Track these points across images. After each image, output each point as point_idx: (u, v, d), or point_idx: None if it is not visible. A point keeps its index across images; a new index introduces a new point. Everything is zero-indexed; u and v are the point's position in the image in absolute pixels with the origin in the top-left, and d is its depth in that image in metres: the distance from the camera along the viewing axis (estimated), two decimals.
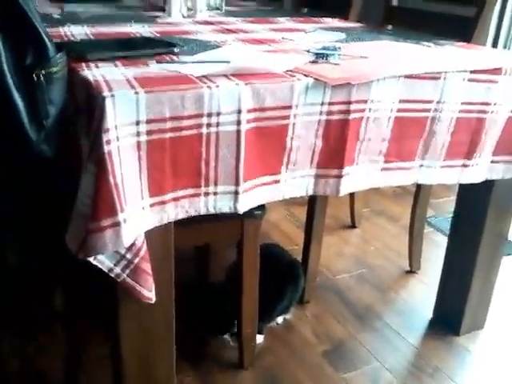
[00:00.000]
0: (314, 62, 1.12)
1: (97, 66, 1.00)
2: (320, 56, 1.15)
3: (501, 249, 1.58)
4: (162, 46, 1.17)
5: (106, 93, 0.84)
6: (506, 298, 1.82)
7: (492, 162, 1.29)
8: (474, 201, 1.52)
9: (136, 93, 0.86)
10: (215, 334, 1.55)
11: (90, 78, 0.92)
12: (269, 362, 1.51)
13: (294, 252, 1.79)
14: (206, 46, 1.26)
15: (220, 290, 1.54)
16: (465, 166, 1.25)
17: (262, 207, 1.29)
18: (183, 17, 1.78)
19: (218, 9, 1.95)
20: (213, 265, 1.77)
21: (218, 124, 0.93)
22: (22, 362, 1.47)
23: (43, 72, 0.84)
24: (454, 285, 1.63)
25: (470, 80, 1.16)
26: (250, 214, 1.23)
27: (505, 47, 2.55)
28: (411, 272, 1.97)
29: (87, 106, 0.91)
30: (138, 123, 0.87)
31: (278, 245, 1.83)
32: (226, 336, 1.54)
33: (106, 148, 0.83)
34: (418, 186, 1.85)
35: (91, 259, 0.90)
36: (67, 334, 1.43)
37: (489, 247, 1.53)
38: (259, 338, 1.55)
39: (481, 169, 1.28)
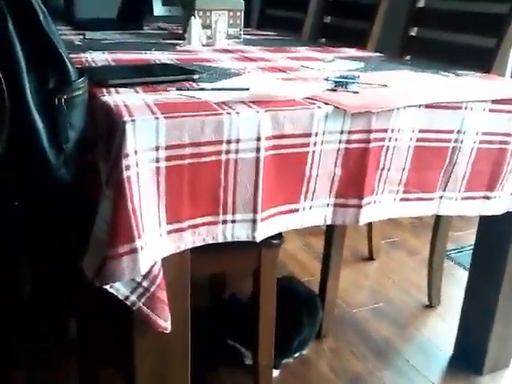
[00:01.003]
0: (332, 90, 1.12)
1: (117, 92, 1.01)
2: (339, 84, 1.15)
3: None
4: (181, 73, 1.17)
5: (126, 118, 0.84)
6: None
7: None
8: (495, 234, 1.48)
9: (156, 118, 0.86)
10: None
11: (111, 102, 0.92)
12: None
13: (310, 283, 1.76)
14: (225, 73, 1.27)
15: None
16: (486, 197, 1.22)
17: (279, 236, 1.27)
18: (202, 45, 1.81)
19: (236, 38, 1.98)
20: (228, 293, 1.74)
21: (237, 151, 0.93)
22: None
23: (65, 96, 0.85)
24: (476, 321, 1.59)
25: (491, 110, 1.14)
26: (267, 242, 1.21)
27: None
28: (430, 307, 1.92)
29: (107, 131, 0.91)
30: (157, 149, 0.87)
31: (295, 277, 1.80)
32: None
33: (125, 173, 0.83)
34: (437, 219, 1.82)
35: (107, 287, 0.89)
36: (80, 361, 1.40)
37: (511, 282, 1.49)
38: (275, 373, 1.51)
39: (503, 201, 1.25)
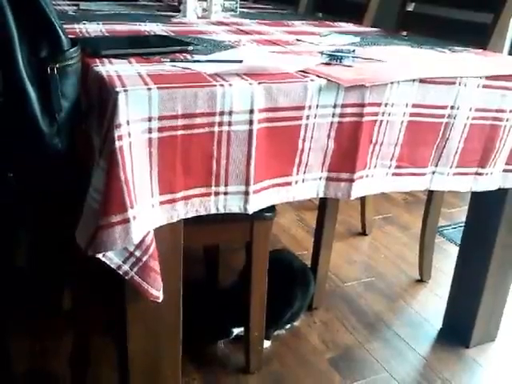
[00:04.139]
0: (327, 63, 1.11)
1: (111, 63, 1.01)
2: (334, 58, 1.14)
3: None
4: (176, 45, 1.17)
5: (119, 88, 0.84)
6: None
7: (506, 170, 1.27)
8: (486, 211, 1.50)
9: (149, 89, 0.86)
10: (212, 339, 1.54)
11: (104, 73, 0.92)
12: (275, 367, 1.50)
13: (303, 257, 1.78)
14: (220, 45, 1.27)
15: (229, 293, 1.53)
16: (478, 173, 1.23)
17: (272, 209, 1.28)
18: (198, 17, 1.79)
19: (232, 10, 1.96)
20: (222, 267, 1.77)
21: (230, 123, 0.93)
22: (29, 362, 1.47)
23: (57, 65, 0.85)
24: (465, 296, 1.61)
25: (485, 86, 1.14)
26: (260, 215, 1.23)
27: None
28: (421, 281, 1.95)
29: (100, 102, 0.91)
30: (150, 119, 0.87)
31: (289, 250, 1.82)
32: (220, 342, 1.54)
33: (117, 144, 0.83)
34: (430, 195, 1.83)
35: (100, 256, 0.90)
36: (75, 333, 1.42)
37: (501, 258, 1.51)
38: (266, 344, 1.54)
39: (494, 177, 1.26)
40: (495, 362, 1.57)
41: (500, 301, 1.60)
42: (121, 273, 0.93)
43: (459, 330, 1.63)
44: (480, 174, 1.23)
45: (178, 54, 1.12)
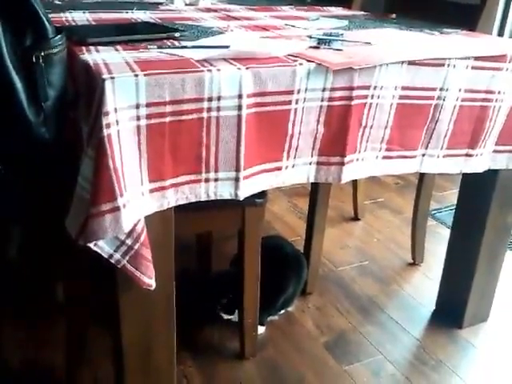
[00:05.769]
0: (315, 47, 1.11)
1: (97, 50, 0.99)
2: (322, 42, 1.14)
3: (504, 241, 1.57)
4: (163, 31, 1.16)
5: (105, 75, 0.83)
6: (509, 291, 1.81)
7: (495, 151, 1.28)
8: (477, 193, 1.50)
9: (136, 75, 0.85)
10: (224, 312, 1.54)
11: (90, 61, 0.91)
12: (270, 352, 1.51)
13: (296, 243, 1.78)
14: (207, 31, 1.25)
15: (223, 278, 1.54)
16: (468, 155, 1.23)
17: (263, 195, 1.28)
18: (186, 4, 1.78)
19: None
20: (215, 254, 1.77)
21: (218, 108, 0.92)
22: (23, 352, 1.47)
23: (42, 54, 0.84)
24: (457, 278, 1.62)
25: (473, 67, 1.14)
26: (251, 201, 1.23)
27: (511, 36, 2.53)
28: (414, 264, 1.97)
29: (87, 90, 0.90)
30: (137, 106, 0.86)
31: (281, 236, 1.83)
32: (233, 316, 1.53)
33: (105, 132, 0.83)
34: (421, 178, 1.84)
35: (91, 245, 0.89)
36: (68, 323, 1.42)
37: (492, 239, 1.52)
38: (261, 329, 1.55)
39: (484, 158, 1.26)
40: (488, 342, 1.59)
41: (491, 282, 1.61)
42: (113, 261, 0.93)
43: (452, 311, 1.65)
44: (470, 156, 1.23)
45: (165, 41, 1.11)
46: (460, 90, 1.14)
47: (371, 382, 1.42)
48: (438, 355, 1.52)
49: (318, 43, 1.14)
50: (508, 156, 1.29)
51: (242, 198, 1.02)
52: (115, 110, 0.84)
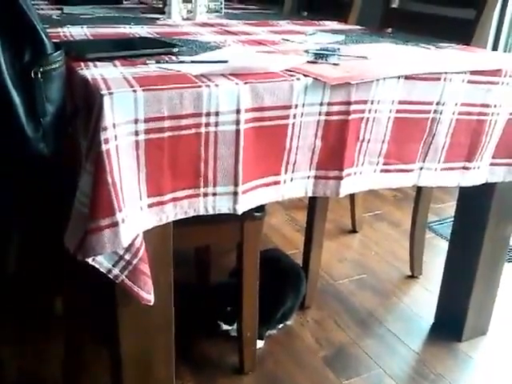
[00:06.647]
0: (312, 62, 1.12)
1: (95, 66, 1.00)
2: (319, 56, 1.15)
3: (503, 253, 1.56)
4: (161, 46, 1.17)
5: (104, 91, 0.84)
6: (509, 304, 1.80)
7: (492, 164, 1.28)
8: (474, 205, 1.51)
9: (134, 91, 0.86)
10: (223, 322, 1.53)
11: (89, 76, 0.92)
12: (269, 367, 1.50)
13: (294, 256, 1.78)
14: (205, 46, 1.26)
15: (223, 288, 1.53)
16: (465, 168, 1.24)
17: (262, 209, 1.28)
18: (183, 19, 1.79)
19: (217, 11, 1.96)
20: (213, 267, 1.76)
21: (216, 124, 0.93)
22: (20, 366, 1.45)
23: (41, 69, 0.84)
24: (456, 290, 1.62)
25: (469, 82, 1.15)
26: (249, 215, 1.23)
27: (505, 50, 2.55)
28: (413, 277, 1.96)
29: (85, 105, 0.91)
30: (136, 122, 0.87)
31: (280, 249, 1.82)
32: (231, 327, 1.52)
33: (104, 147, 0.83)
34: (419, 191, 1.84)
35: (90, 260, 0.89)
36: (66, 336, 1.42)
37: (490, 252, 1.52)
38: (260, 343, 1.54)
39: (481, 171, 1.27)
40: (487, 355, 1.58)
41: (490, 295, 1.61)
42: (111, 277, 0.93)
43: (451, 324, 1.64)
44: (467, 169, 1.24)
45: (163, 56, 1.11)
46: (456, 104, 1.15)
47: None
48: (437, 369, 1.51)
49: (315, 58, 1.14)
50: (505, 169, 1.30)
51: (240, 213, 1.02)
52: (114, 125, 0.84)
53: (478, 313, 1.60)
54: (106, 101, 0.83)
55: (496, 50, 2.53)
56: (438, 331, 1.67)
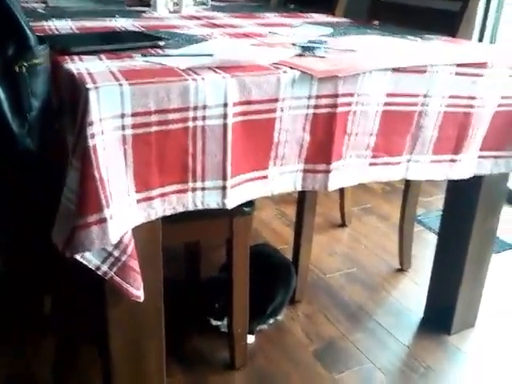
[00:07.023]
0: (300, 55, 1.11)
1: (81, 60, 0.99)
2: (306, 49, 1.14)
3: (490, 245, 1.57)
4: (147, 40, 1.16)
5: (89, 85, 0.83)
6: (496, 296, 1.82)
7: (480, 157, 1.28)
8: (462, 198, 1.51)
9: (120, 85, 0.85)
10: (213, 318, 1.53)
11: (74, 70, 0.90)
12: (260, 362, 1.50)
13: (284, 251, 1.78)
14: (191, 39, 1.26)
15: (213, 283, 1.53)
16: (453, 161, 1.24)
17: (251, 204, 1.28)
18: (169, 12, 1.78)
19: (204, 4, 1.95)
20: (204, 263, 1.76)
21: (204, 118, 0.92)
22: (10, 366, 1.44)
23: (25, 64, 0.83)
24: (445, 283, 1.63)
25: (456, 74, 1.15)
26: (239, 210, 1.23)
27: (491, 42, 2.56)
28: (402, 270, 1.97)
29: (71, 100, 0.89)
30: (122, 116, 0.86)
31: (270, 244, 1.82)
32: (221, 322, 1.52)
33: (90, 142, 0.82)
34: (407, 184, 1.85)
35: (78, 257, 0.88)
36: (56, 336, 1.41)
37: (478, 244, 1.53)
38: (250, 339, 1.54)
39: (469, 164, 1.27)
40: (476, 347, 1.59)
41: (478, 287, 1.62)
42: (100, 273, 0.92)
43: (440, 317, 1.65)
44: (455, 162, 1.24)
45: (149, 49, 1.10)
46: (443, 97, 1.15)
47: None
48: (427, 362, 1.52)
49: (302, 51, 1.14)
50: (492, 161, 1.30)
51: (229, 207, 1.01)
52: (100, 119, 0.83)
53: (466, 305, 1.61)
54: (92, 95, 0.82)
55: (481, 41, 2.55)
56: (427, 324, 1.68)
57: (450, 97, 1.16)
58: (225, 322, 1.49)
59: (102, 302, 1.02)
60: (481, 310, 1.66)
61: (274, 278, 1.58)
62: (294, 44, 1.21)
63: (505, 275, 1.96)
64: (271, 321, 1.63)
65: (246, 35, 1.37)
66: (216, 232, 1.35)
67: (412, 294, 1.83)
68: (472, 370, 1.52)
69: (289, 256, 1.75)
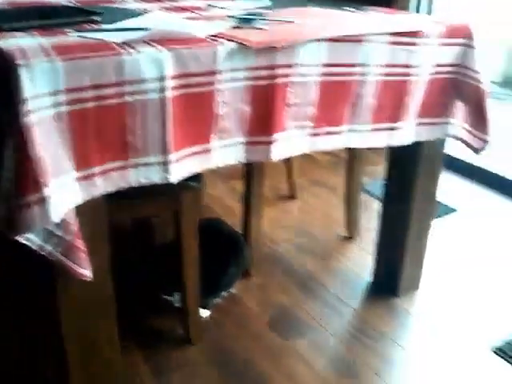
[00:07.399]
0: (237, 27, 1.11)
1: (12, 36, 0.96)
2: (244, 21, 1.14)
3: (431, 210, 1.63)
4: (81, 15, 1.13)
5: (20, 61, 0.81)
6: (437, 259, 1.89)
7: (418, 124, 1.32)
8: (402, 165, 1.56)
9: (53, 61, 0.83)
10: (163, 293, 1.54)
11: (4, 47, 0.88)
12: (216, 336, 1.51)
13: (236, 225, 1.79)
14: (128, 14, 1.23)
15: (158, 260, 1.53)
16: (392, 128, 1.27)
17: (199, 179, 1.28)
18: None
19: None
20: (158, 240, 1.75)
21: (141, 92, 0.92)
22: None
23: None
24: (390, 248, 1.68)
25: (391, 43, 1.18)
26: (186, 185, 1.23)
27: (429, 13, 2.62)
28: (350, 239, 2.02)
29: (3, 78, 0.87)
30: (56, 93, 0.84)
31: (220, 219, 1.83)
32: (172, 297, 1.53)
33: (24, 120, 0.81)
34: (351, 155, 1.89)
35: (20, 238, 0.87)
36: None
37: (420, 209, 1.58)
38: (205, 313, 1.55)
39: (407, 131, 1.31)
40: (422, 309, 1.66)
41: (420, 250, 1.67)
42: (45, 254, 0.91)
43: (387, 281, 1.71)
44: (393, 129, 1.27)
45: (84, 25, 1.08)
46: (380, 66, 1.18)
47: (316, 355, 1.46)
48: (377, 325, 1.57)
49: (241, 23, 1.14)
50: (429, 128, 1.34)
51: (173, 181, 1.02)
52: (33, 97, 0.82)
53: (410, 269, 1.67)
54: (24, 72, 0.80)
55: (418, 12, 2.60)
56: (375, 289, 1.74)
57: (387, 65, 1.19)
58: (177, 297, 1.50)
59: (50, 285, 1.01)
60: (424, 272, 1.73)
61: (225, 251, 1.60)
62: (231, 16, 1.20)
63: (445, 238, 2.04)
64: (225, 294, 1.65)
65: (183, 9, 1.36)
66: (163, 207, 1.36)
67: (360, 260, 1.88)
68: (420, 331, 1.57)
69: (240, 230, 1.76)
